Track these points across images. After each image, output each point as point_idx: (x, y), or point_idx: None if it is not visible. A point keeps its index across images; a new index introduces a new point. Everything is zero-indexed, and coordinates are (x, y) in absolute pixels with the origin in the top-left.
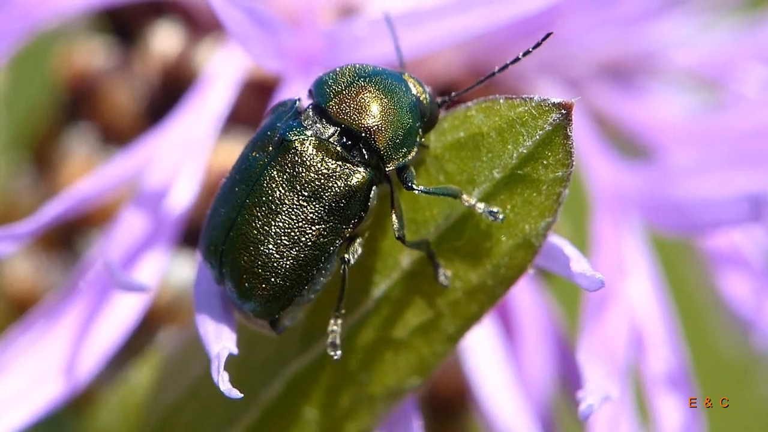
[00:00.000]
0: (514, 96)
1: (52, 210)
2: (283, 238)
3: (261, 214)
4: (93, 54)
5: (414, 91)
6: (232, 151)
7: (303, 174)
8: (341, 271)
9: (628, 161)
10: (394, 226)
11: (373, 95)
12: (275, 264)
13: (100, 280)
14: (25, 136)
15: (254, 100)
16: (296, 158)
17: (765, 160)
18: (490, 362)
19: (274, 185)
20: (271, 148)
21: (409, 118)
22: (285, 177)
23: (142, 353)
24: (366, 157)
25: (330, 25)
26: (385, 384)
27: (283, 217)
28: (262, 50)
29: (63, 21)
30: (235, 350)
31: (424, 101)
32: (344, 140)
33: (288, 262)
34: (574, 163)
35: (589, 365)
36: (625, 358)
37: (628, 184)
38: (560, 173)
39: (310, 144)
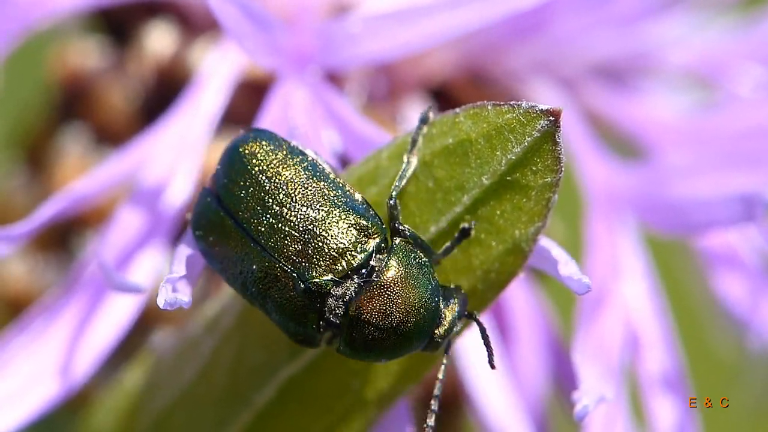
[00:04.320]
0: (502, 102)
1: (47, 211)
2: None
3: None
4: (87, 54)
5: None
6: None
7: None
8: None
9: (622, 161)
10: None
11: None
12: None
13: (95, 280)
14: (19, 136)
15: (248, 100)
16: None
17: (759, 159)
18: (484, 362)
19: None
20: None
21: None
22: None
23: (137, 354)
24: None
25: (324, 22)
26: (377, 389)
27: None
28: (257, 47)
29: (57, 21)
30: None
31: None
32: None
33: None
34: (563, 168)
35: (584, 366)
36: (620, 358)
37: (622, 184)
38: (549, 179)
39: None
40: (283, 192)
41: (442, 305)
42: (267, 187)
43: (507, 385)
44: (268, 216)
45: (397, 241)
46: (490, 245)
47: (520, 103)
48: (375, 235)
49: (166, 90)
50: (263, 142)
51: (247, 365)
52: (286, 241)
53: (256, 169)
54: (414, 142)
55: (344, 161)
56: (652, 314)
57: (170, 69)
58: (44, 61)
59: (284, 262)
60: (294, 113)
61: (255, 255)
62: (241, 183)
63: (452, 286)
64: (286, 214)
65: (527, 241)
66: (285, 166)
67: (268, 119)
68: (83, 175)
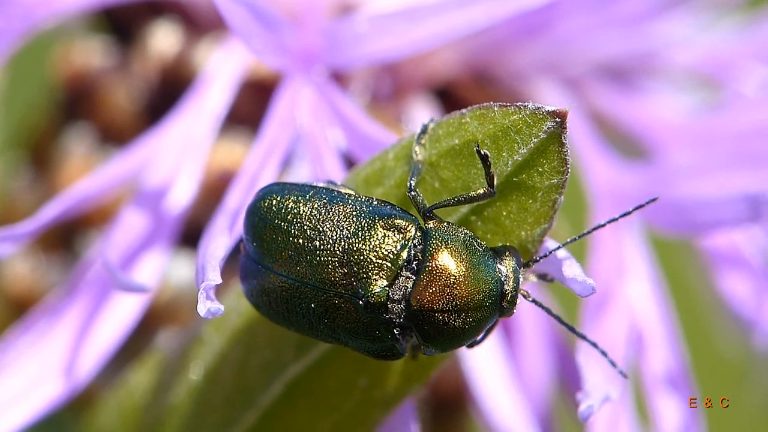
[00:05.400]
0: (508, 104)
1: (51, 210)
2: None
3: None
4: (91, 54)
5: None
6: (230, 151)
7: None
8: None
9: (627, 161)
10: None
11: None
12: None
13: (99, 280)
14: (24, 136)
15: (253, 100)
16: None
17: (764, 159)
18: (489, 362)
19: None
20: None
21: None
22: None
23: (141, 353)
24: None
25: (330, 22)
26: (384, 389)
27: None
28: (264, 47)
29: (61, 21)
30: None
31: None
32: None
33: None
34: (569, 170)
35: (589, 366)
36: (624, 358)
37: (627, 184)
38: (555, 180)
39: None
40: (309, 227)
41: (498, 264)
42: (292, 230)
43: (511, 386)
44: (305, 254)
45: (431, 224)
46: (496, 246)
47: (526, 104)
48: (409, 228)
49: (170, 90)
50: (272, 196)
51: (254, 364)
52: (329, 269)
53: (276, 220)
54: (418, 144)
55: (348, 160)
56: (656, 314)
57: (174, 69)
58: (48, 61)
59: (337, 289)
60: (300, 113)
61: (308, 294)
62: (269, 239)
63: (499, 245)
64: (319, 245)
65: (533, 242)
66: (300, 204)
67: (274, 119)
68: (87, 175)
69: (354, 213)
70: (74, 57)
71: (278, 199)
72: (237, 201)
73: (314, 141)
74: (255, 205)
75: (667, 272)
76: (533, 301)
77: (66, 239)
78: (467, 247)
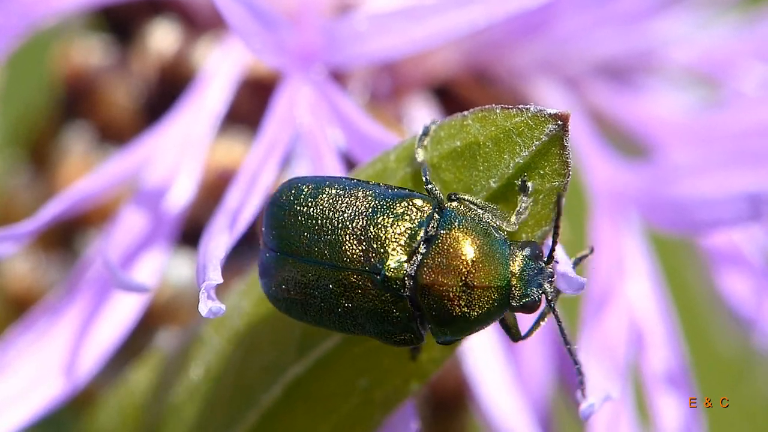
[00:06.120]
0: (510, 106)
1: (51, 210)
2: None
3: None
4: (90, 52)
5: None
6: (230, 150)
7: None
8: None
9: (626, 160)
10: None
11: None
12: None
13: (99, 279)
14: (23, 134)
15: (251, 98)
16: None
17: (764, 158)
18: (489, 361)
19: None
20: None
21: None
22: None
23: (141, 352)
24: None
25: (329, 20)
26: (384, 389)
27: None
28: (263, 46)
29: (60, 19)
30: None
31: None
32: None
33: None
34: (570, 173)
35: (589, 365)
36: (624, 357)
37: (627, 182)
38: (556, 183)
39: None
40: (327, 207)
41: (511, 250)
42: (311, 212)
43: (512, 384)
44: (323, 234)
45: (452, 205)
46: None
47: (528, 106)
48: (427, 207)
49: (169, 88)
50: (292, 186)
51: (255, 364)
52: (347, 246)
53: (296, 206)
54: (420, 146)
55: (347, 159)
56: (656, 313)
57: (173, 67)
58: (47, 60)
59: (354, 265)
60: (299, 111)
61: (326, 276)
62: (287, 224)
63: (523, 237)
64: (337, 224)
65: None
66: (319, 189)
67: (274, 118)
68: (86, 174)
69: (372, 194)
70: (73, 55)
71: (297, 186)
72: (237, 200)
73: (313, 140)
74: (275, 196)
75: (667, 271)
76: (549, 301)
77: (66, 238)
78: (483, 230)
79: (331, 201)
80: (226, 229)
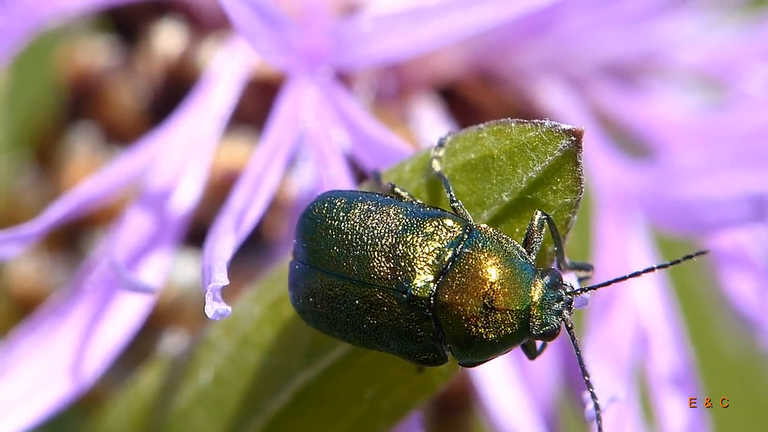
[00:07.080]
0: (525, 120)
1: (56, 211)
2: None
3: None
4: (96, 53)
5: None
6: (235, 150)
7: None
8: None
9: (631, 161)
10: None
11: None
12: None
13: (104, 280)
14: (28, 135)
15: (257, 99)
16: None
17: None
18: (494, 362)
19: None
20: None
21: None
22: None
23: (147, 353)
24: None
25: (335, 21)
26: (392, 399)
27: None
28: (268, 46)
29: (66, 20)
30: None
31: None
32: None
33: None
34: (583, 189)
35: (595, 366)
36: (630, 358)
37: (632, 183)
38: (569, 199)
39: None
40: (358, 223)
41: (535, 277)
42: (341, 227)
43: (517, 385)
44: (352, 250)
45: (480, 227)
46: None
47: (543, 121)
48: (457, 228)
49: (174, 89)
50: (325, 199)
51: (263, 370)
52: (374, 264)
53: (327, 219)
54: (435, 157)
55: (352, 161)
56: (661, 314)
57: (179, 68)
58: (53, 60)
59: (381, 283)
60: (304, 112)
61: (353, 291)
62: (318, 237)
63: (550, 267)
64: (367, 240)
65: (545, 260)
66: (351, 204)
67: (279, 119)
68: (92, 175)
69: (403, 212)
70: (78, 56)
71: (330, 200)
72: (242, 201)
73: (318, 141)
74: (308, 209)
75: (672, 272)
76: (569, 329)
77: (71, 239)
78: (508, 254)
79: (362, 216)
80: (232, 230)
